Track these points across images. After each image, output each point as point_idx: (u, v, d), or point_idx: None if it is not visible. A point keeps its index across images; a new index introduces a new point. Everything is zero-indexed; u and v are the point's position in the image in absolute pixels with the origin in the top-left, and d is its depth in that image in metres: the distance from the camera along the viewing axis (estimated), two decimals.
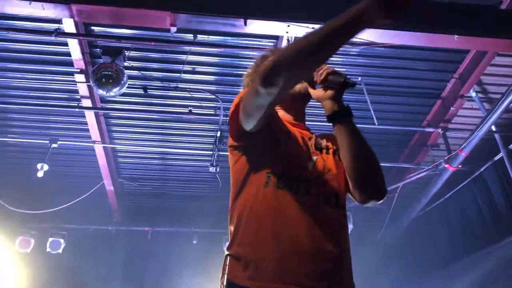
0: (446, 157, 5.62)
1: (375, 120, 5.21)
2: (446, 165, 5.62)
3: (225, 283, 1.44)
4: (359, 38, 4.28)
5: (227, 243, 1.57)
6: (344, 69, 5.14)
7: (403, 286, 6.73)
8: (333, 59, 4.99)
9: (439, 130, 5.62)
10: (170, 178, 6.98)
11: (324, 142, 1.73)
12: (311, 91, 1.69)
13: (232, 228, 1.56)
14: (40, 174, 5.54)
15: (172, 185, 7.11)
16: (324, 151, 1.70)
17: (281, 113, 1.77)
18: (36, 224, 6.58)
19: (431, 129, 5.68)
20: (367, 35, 4.20)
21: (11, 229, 6.53)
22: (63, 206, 6.25)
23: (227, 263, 1.49)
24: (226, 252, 1.53)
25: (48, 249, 6.63)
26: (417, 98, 5.51)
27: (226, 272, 1.47)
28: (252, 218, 1.50)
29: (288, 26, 4.00)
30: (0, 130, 5.88)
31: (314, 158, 1.63)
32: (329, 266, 1.43)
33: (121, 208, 7.12)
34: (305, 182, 1.53)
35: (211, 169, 5.65)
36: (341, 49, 4.54)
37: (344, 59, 5.03)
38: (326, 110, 1.62)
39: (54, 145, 5.61)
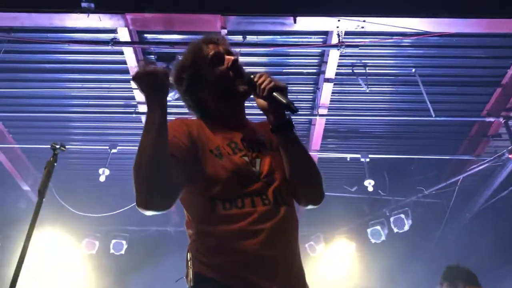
0: (509, 147, 5.36)
1: (432, 112, 5.06)
2: (509, 155, 5.37)
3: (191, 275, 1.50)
4: (412, 29, 4.18)
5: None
6: (396, 61, 5.03)
7: None
8: (384, 51, 4.90)
9: (501, 120, 5.36)
10: None
11: (265, 137, 1.72)
12: (254, 97, 1.68)
13: (189, 236, 1.63)
14: (102, 178, 5.79)
15: None
16: (267, 146, 1.70)
17: (214, 112, 1.76)
18: (100, 227, 6.88)
19: (491, 119, 5.43)
20: (420, 25, 4.09)
21: (78, 232, 6.87)
22: (124, 209, 6.48)
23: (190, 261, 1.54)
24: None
25: (111, 251, 6.91)
26: (475, 87, 5.30)
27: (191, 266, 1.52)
28: (205, 243, 1.53)
29: (339, 20, 3.97)
30: (63, 138, 6.18)
31: (258, 161, 1.62)
32: (277, 271, 1.47)
33: (178, 210, 7.27)
34: (250, 195, 1.53)
35: None
36: (391, 40, 4.48)
37: (396, 51, 4.92)
38: (269, 121, 1.66)
39: (114, 150, 5.84)
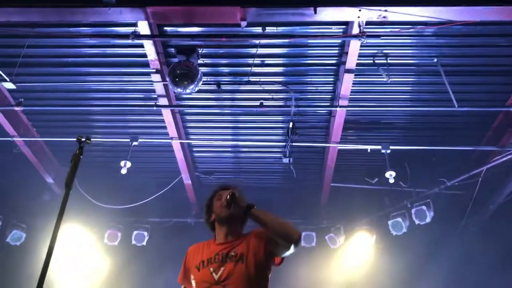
0: None
1: (455, 102, 4.97)
2: None
3: None
4: (434, 17, 4.10)
5: None
6: (418, 51, 4.96)
7: (492, 277, 6.35)
8: (406, 40, 4.83)
9: None
10: (243, 170, 7.10)
11: (235, 251, 2.49)
12: (228, 211, 2.58)
13: None
14: (123, 171, 5.86)
15: (246, 177, 7.22)
16: (232, 258, 2.47)
17: (216, 233, 2.70)
18: (122, 218, 6.97)
19: None
20: (443, 13, 4.01)
21: (100, 224, 6.98)
22: (145, 201, 6.57)
23: None
24: None
25: (133, 242, 7.01)
26: (499, 76, 5.18)
27: None
28: None
29: (360, 10, 3.92)
30: (85, 131, 6.26)
31: (220, 270, 2.44)
32: None
33: (199, 201, 7.35)
34: None
35: (284, 160, 5.69)
36: (413, 30, 4.38)
37: (418, 41, 4.85)
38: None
39: (135, 143, 5.90)
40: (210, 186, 7.30)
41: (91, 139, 2.31)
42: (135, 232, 7.00)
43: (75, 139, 5.86)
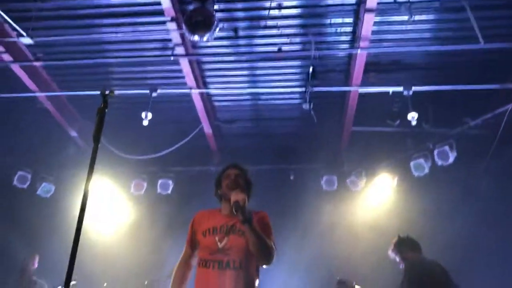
0: None
1: (481, 39, 4.79)
2: None
3: None
4: None
5: None
6: None
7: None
8: None
9: None
10: (263, 117, 7.09)
11: (239, 226, 2.82)
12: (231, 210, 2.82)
13: None
14: (145, 122, 5.90)
15: (265, 124, 7.22)
16: (235, 231, 2.84)
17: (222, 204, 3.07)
18: (146, 168, 7.12)
19: None
20: None
21: (126, 175, 7.15)
22: (167, 150, 6.66)
23: None
24: None
25: (159, 191, 7.19)
26: None
27: None
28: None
29: None
30: (104, 84, 6.29)
31: (224, 240, 2.82)
32: None
33: (219, 150, 7.44)
34: (214, 261, 2.78)
35: (305, 106, 5.64)
36: None
37: None
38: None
39: (154, 94, 5.90)
40: (230, 134, 7.38)
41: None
42: (160, 181, 7.17)
43: (95, 92, 5.91)
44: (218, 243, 2.81)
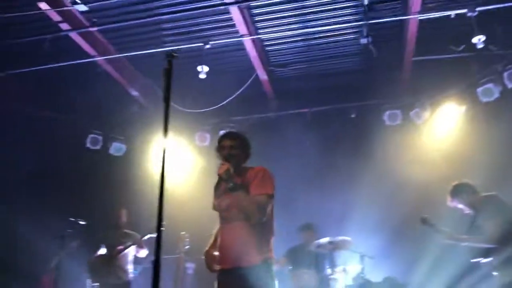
0: None
1: None
2: None
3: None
4: None
5: None
6: None
7: None
8: None
9: None
10: (317, 57, 6.94)
11: (234, 183, 3.20)
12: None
13: None
14: (202, 75, 5.98)
15: (320, 64, 7.08)
16: (234, 190, 3.19)
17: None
18: (207, 121, 7.29)
19: None
20: None
21: (189, 128, 7.36)
22: (226, 101, 6.75)
23: None
24: None
25: None
26: None
27: None
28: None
29: None
30: (158, 41, 6.37)
31: (226, 200, 3.31)
32: (230, 253, 3.20)
33: (277, 95, 7.43)
34: (222, 217, 3.39)
35: (362, 40, 5.45)
36: None
37: None
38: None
39: (207, 46, 5.92)
40: (286, 78, 7.31)
41: (165, 48, 2.38)
42: (221, 132, 7.32)
43: (151, 51, 6.00)
44: (221, 204, 3.34)
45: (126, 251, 5.95)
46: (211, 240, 3.50)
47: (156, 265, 2.07)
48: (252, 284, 3.00)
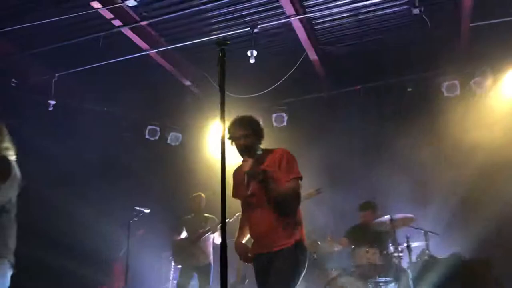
0: None
1: None
2: None
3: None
4: None
5: None
6: None
7: None
8: None
9: None
10: (367, 32, 6.73)
11: (257, 171, 3.11)
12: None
13: None
14: (251, 60, 6.00)
15: (371, 38, 6.87)
16: (256, 177, 3.11)
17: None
18: (259, 105, 7.30)
19: None
20: None
21: (241, 114, 7.40)
22: (277, 84, 6.73)
23: None
24: None
25: (274, 124, 7.39)
26: None
27: None
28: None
29: None
30: (205, 29, 6.42)
31: (249, 189, 3.20)
32: (262, 239, 3.19)
33: (328, 74, 7.31)
34: (246, 204, 3.31)
35: (414, 11, 5.24)
36: None
37: None
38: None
39: (255, 30, 5.91)
40: (337, 56, 7.17)
41: (212, 37, 2.39)
42: (274, 115, 7.35)
43: (200, 40, 6.06)
44: (246, 192, 3.22)
45: (206, 234, 6.24)
46: (238, 230, 3.44)
47: (223, 248, 2.14)
48: (287, 266, 3.02)
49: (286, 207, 3.11)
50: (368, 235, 5.89)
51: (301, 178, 3.18)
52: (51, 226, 6.03)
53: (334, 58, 7.24)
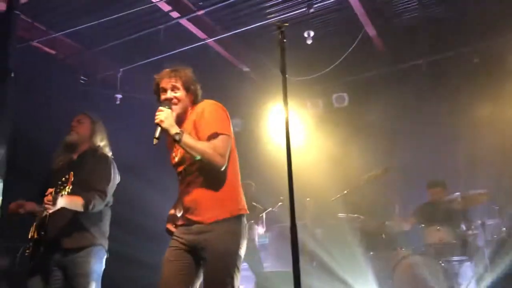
0: None
1: None
2: None
3: None
4: None
5: None
6: None
7: None
8: None
9: None
10: (429, 2, 6.41)
11: (177, 133, 2.45)
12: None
13: None
14: (309, 41, 5.93)
15: (434, 9, 6.53)
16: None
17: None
18: (319, 86, 7.22)
19: None
20: None
21: (301, 96, 7.36)
22: (335, 64, 6.60)
23: None
24: None
25: (335, 105, 7.28)
26: None
27: None
28: None
29: None
30: (259, 14, 6.40)
31: (178, 154, 2.66)
32: (188, 208, 2.58)
33: (388, 49, 7.07)
34: (177, 174, 2.71)
35: None
36: None
37: None
38: None
39: (311, 10, 5.83)
40: (397, 31, 6.89)
41: (268, 21, 2.38)
42: (334, 95, 7.24)
43: (256, 25, 6.06)
44: (175, 158, 2.69)
45: (252, 221, 6.30)
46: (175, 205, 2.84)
47: (293, 230, 2.16)
48: (216, 242, 2.41)
49: (207, 168, 2.51)
50: (439, 213, 5.71)
51: (226, 135, 2.57)
52: (129, 213, 6.23)
53: (394, 32, 6.97)
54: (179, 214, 2.72)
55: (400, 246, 5.60)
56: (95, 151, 3.44)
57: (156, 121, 2.45)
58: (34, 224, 3.24)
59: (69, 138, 3.42)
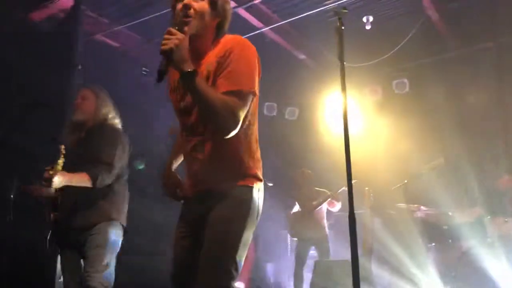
0: None
1: None
2: None
3: None
4: None
5: None
6: None
7: None
8: None
9: None
10: None
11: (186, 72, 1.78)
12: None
13: None
14: (367, 26, 5.80)
15: None
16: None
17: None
18: (378, 72, 7.03)
19: None
20: None
21: (360, 83, 7.17)
22: (396, 49, 6.41)
23: None
24: None
25: (395, 91, 7.07)
26: None
27: None
28: None
29: None
30: (317, 1, 6.29)
31: (185, 99, 2.03)
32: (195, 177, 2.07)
33: (451, 33, 6.75)
34: (181, 124, 2.13)
35: None
36: None
37: None
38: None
39: None
40: (462, 12, 6.54)
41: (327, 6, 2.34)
42: (394, 82, 7.04)
43: (313, 11, 6.00)
44: (180, 103, 2.06)
45: (319, 206, 6.38)
46: (171, 156, 2.32)
47: (351, 218, 2.16)
48: (227, 213, 1.96)
49: (214, 125, 1.95)
50: (507, 203, 5.43)
51: (249, 93, 1.95)
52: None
53: (459, 14, 6.62)
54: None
55: (464, 237, 5.39)
56: (102, 124, 3.28)
57: (164, 47, 1.74)
58: (46, 205, 3.17)
59: (74, 118, 3.29)
